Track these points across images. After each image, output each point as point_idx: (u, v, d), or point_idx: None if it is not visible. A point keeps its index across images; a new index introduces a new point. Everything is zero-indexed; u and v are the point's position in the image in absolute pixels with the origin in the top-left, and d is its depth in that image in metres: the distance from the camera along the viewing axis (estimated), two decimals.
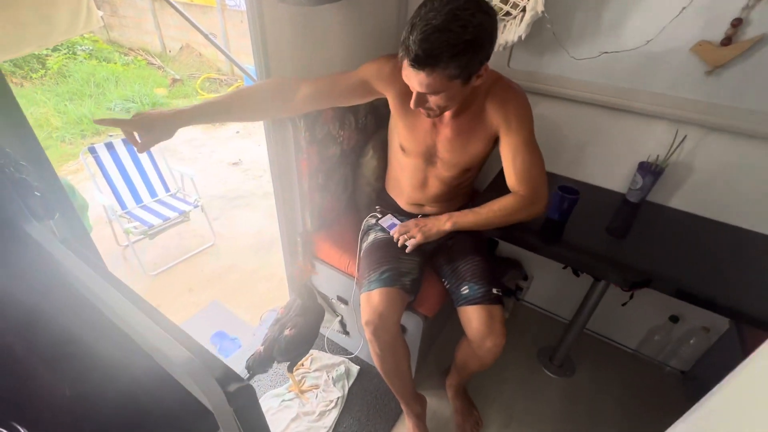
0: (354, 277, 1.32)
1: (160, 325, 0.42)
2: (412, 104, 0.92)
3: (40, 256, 0.43)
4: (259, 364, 1.31)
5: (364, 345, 1.51)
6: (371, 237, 1.25)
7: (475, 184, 1.69)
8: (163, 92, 5.38)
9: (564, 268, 1.48)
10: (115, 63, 5.83)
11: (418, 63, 0.81)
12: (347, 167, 1.42)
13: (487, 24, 0.80)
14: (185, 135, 4.49)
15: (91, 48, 5.93)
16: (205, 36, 1.70)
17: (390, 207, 1.33)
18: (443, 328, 1.70)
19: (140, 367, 0.55)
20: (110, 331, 0.48)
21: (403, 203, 1.29)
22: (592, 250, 1.15)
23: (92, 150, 2.33)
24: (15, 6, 2.06)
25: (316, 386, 1.47)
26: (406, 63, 0.84)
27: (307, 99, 1.03)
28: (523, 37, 1.12)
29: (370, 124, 1.44)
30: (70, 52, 5.60)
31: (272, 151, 1.19)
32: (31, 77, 5.14)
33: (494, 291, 1.11)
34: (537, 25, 1.13)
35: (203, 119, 0.92)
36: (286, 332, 1.29)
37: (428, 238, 1.13)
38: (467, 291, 1.12)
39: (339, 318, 1.54)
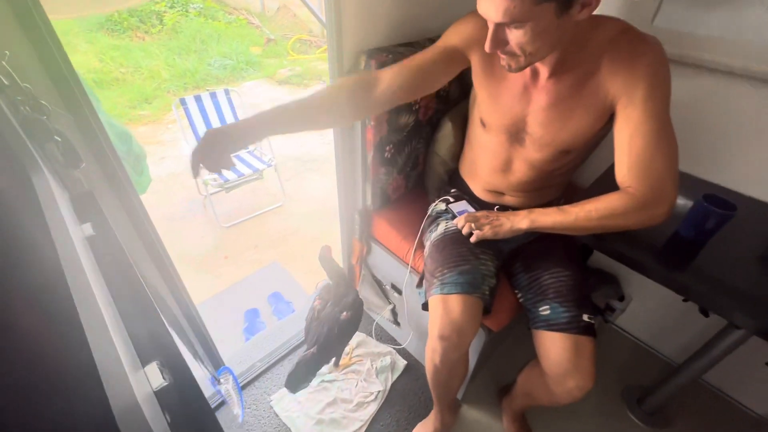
0: (409, 266, 1.15)
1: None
2: (487, 45, 0.68)
3: (28, 210, 0.33)
4: (312, 367, 1.19)
5: (414, 338, 1.37)
6: (442, 227, 1.06)
7: (577, 177, 1.38)
8: (258, 51, 5.58)
9: (685, 300, 1.14)
10: (219, 21, 6.16)
11: None
12: (420, 141, 1.22)
13: None
14: (270, 94, 4.62)
15: (201, 6, 6.32)
16: None
17: (464, 192, 1.11)
18: (505, 340, 1.47)
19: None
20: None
21: (478, 189, 1.07)
22: (736, 286, 0.83)
23: (183, 102, 2.44)
24: None
25: (361, 359, 1.42)
26: None
27: (389, 90, 0.83)
28: None
29: (453, 93, 1.21)
30: (183, 10, 6.03)
31: None
32: (151, 32, 5.67)
33: (585, 318, 0.87)
34: None
35: (272, 131, 0.75)
36: (343, 316, 1.20)
37: (497, 236, 0.90)
38: (549, 312, 0.89)
39: (391, 307, 1.40)
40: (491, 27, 0.67)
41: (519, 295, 1.01)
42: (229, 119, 2.61)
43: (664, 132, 0.71)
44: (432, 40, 1.06)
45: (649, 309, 1.44)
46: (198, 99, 2.47)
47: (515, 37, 0.66)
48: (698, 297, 0.84)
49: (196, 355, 0.93)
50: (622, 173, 0.76)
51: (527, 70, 0.81)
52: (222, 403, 0.83)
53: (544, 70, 0.79)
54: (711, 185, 1.10)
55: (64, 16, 2.17)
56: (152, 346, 0.40)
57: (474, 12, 0.81)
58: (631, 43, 0.72)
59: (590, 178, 1.18)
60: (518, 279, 1.02)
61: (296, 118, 0.77)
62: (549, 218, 0.83)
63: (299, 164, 3.29)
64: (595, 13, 0.70)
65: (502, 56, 0.72)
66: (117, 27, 5.50)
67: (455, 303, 0.89)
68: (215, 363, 1.20)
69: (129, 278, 0.46)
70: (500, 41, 0.68)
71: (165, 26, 5.67)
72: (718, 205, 0.83)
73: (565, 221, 0.81)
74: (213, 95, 2.52)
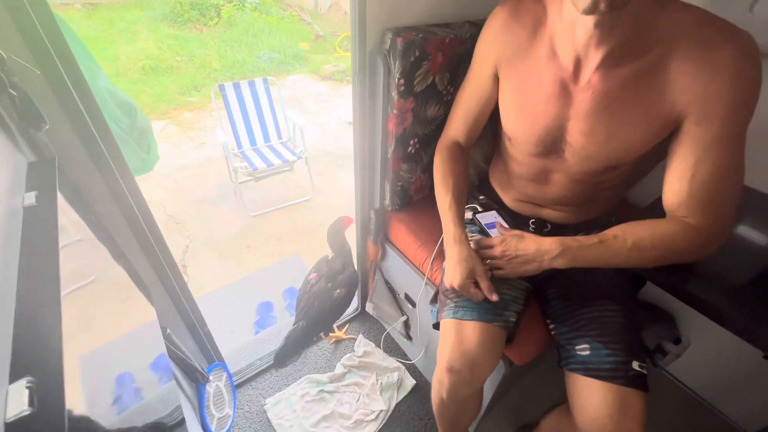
0: (425, 276, 1.02)
1: None
2: None
3: None
4: (301, 342, 1.19)
5: (425, 356, 1.23)
6: None
7: (633, 194, 1.18)
8: (306, 46, 5.64)
9: (766, 357, 0.92)
10: (272, 16, 6.32)
11: None
12: None
13: None
14: (313, 89, 4.63)
15: (257, 1, 6.52)
16: None
17: (494, 202, 0.96)
18: (530, 373, 1.29)
19: None
20: None
21: (509, 200, 0.91)
22: None
23: (221, 88, 2.45)
24: None
25: (354, 337, 1.41)
26: None
27: (472, 142, 0.91)
28: None
29: None
30: (240, 4, 6.24)
31: (356, 98, 0.93)
32: (209, 24, 5.92)
33: (636, 366, 0.70)
34: None
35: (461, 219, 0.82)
36: (336, 293, 1.18)
37: (518, 275, 0.74)
38: (588, 353, 0.72)
39: (404, 318, 1.27)
40: None
41: (552, 326, 0.84)
42: (266, 109, 2.60)
43: (737, 159, 0.60)
44: (472, 23, 0.93)
45: (712, 358, 1.21)
46: (237, 86, 2.47)
47: None
48: None
49: (178, 350, 0.86)
50: (678, 199, 0.63)
51: (572, 60, 0.64)
52: (180, 422, 0.74)
53: (595, 55, 0.61)
54: None
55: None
56: (34, 356, 0.30)
57: (496, 13, 0.74)
58: (714, 41, 0.55)
59: (649, 195, 0.99)
60: (552, 307, 0.85)
61: (458, 204, 0.83)
62: (591, 253, 0.67)
63: (332, 159, 3.24)
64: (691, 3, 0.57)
65: None
66: (179, 18, 5.80)
67: (471, 331, 0.75)
68: (209, 358, 1.13)
69: (47, 262, 0.37)
70: None
71: (221, 19, 5.90)
72: None
73: (609, 257, 0.67)
74: (252, 83, 2.51)
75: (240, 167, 2.42)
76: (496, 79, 0.78)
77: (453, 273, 0.76)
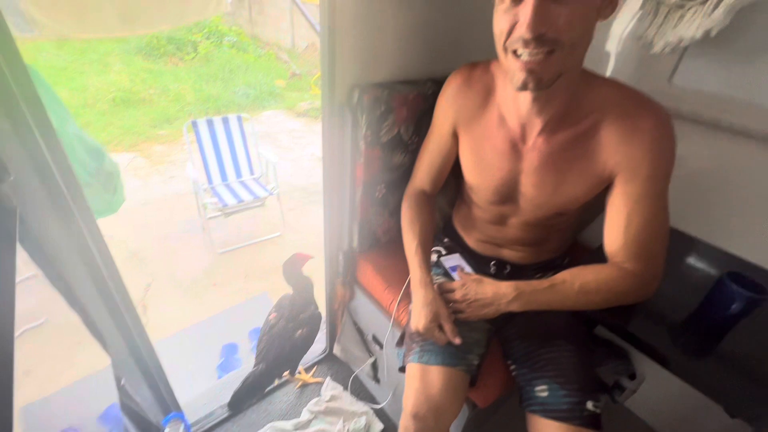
0: (392, 318, 1.04)
1: None
2: (528, 27, 0.54)
3: None
4: (258, 385, 1.16)
5: (393, 399, 1.22)
6: None
7: (584, 237, 1.28)
8: (282, 83, 5.79)
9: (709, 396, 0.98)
10: (250, 54, 6.48)
11: None
12: None
13: None
14: (287, 125, 4.72)
15: (235, 39, 6.69)
16: (316, 30, 1.61)
17: (457, 244, 1.01)
18: (493, 417, 1.30)
19: None
20: None
21: (472, 242, 0.97)
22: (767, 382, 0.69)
23: (194, 124, 2.46)
24: None
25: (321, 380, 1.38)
26: None
27: (436, 190, 0.97)
28: (713, 33, 0.72)
29: None
30: (218, 41, 6.38)
31: (326, 145, 0.98)
32: (185, 59, 5.98)
33: (590, 406, 0.73)
34: (742, 16, 0.71)
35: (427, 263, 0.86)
36: (298, 333, 1.17)
37: (479, 318, 0.79)
38: (547, 395, 0.76)
39: (372, 360, 1.26)
40: (533, 1, 0.54)
41: (513, 368, 0.87)
42: (239, 145, 2.61)
43: (662, 211, 0.69)
44: (434, 81, 1.01)
45: (665, 393, 1.27)
46: (210, 123, 2.49)
47: (562, 13, 0.54)
48: (720, 396, 0.71)
49: (131, 402, 0.82)
50: (616, 247, 0.71)
51: (518, 126, 0.73)
52: None
53: (536, 123, 0.70)
54: (733, 258, 0.98)
55: (92, 35, 2.26)
56: None
57: (451, 80, 0.82)
58: (635, 112, 0.65)
59: (596, 238, 1.07)
60: (513, 348, 0.89)
61: (425, 248, 0.88)
62: (543, 297, 0.73)
63: (304, 195, 3.26)
64: (595, 72, 0.68)
65: (527, 69, 0.59)
66: (154, 52, 5.83)
67: (435, 376, 0.77)
68: (166, 408, 1.07)
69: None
70: (543, 19, 0.54)
71: (198, 54, 5.99)
72: (744, 286, 0.71)
73: (561, 299, 0.73)
74: (225, 120, 2.54)
75: (209, 203, 2.40)
76: (455, 136, 0.85)
77: (418, 317, 0.79)
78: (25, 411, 0.40)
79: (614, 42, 1.06)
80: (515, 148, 0.75)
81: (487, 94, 0.78)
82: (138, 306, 1.48)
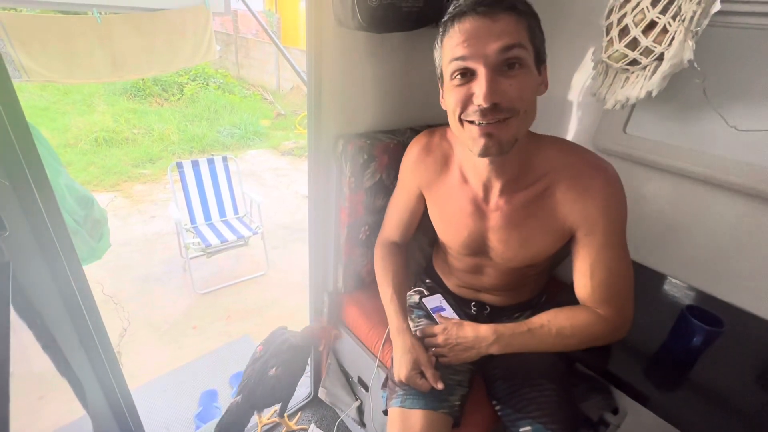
0: (377, 359, 1.04)
1: None
2: (484, 97, 0.60)
3: None
4: (236, 419, 1.13)
5: None
6: (411, 326, 0.98)
7: (559, 272, 1.34)
8: (267, 123, 5.92)
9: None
10: (235, 95, 6.66)
11: (485, 2, 0.59)
12: None
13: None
14: (272, 163, 4.79)
15: (221, 81, 6.89)
16: (302, 80, 1.72)
17: (438, 285, 1.05)
18: None
19: None
20: None
21: (452, 285, 1.01)
22: (733, 410, 0.73)
23: (179, 165, 2.48)
24: (152, 36, 2.38)
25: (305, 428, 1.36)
26: (460, 27, 0.60)
27: (407, 240, 1.02)
28: (654, 94, 0.82)
29: None
30: (204, 83, 6.55)
31: (312, 190, 1.03)
32: (170, 100, 6.08)
33: None
34: (677, 79, 0.82)
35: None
36: (271, 372, 1.14)
37: (461, 362, 0.82)
38: None
39: (357, 404, 1.25)
40: (486, 75, 0.59)
41: (497, 408, 0.88)
42: (224, 185, 2.64)
43: (623, 258, 0.74)
44: (412, 129, 1.09)
45: (647, 427, 1.28)
46: (195, 164, 2.52)
47: (512, 84, 0.60)
48: (688, 427, 0.74)
49: None
50: (585, 293, 0.76)
51: (481, 188, 0.78)
52: None
53: (495, 185, 0.76)
54: (697, 293, 1.05)
55: (82, 81, 2.31)
56: None
57: (411, 148, 0.89)
58: (584, 172, 0.71)
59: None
60: (496, 387, 0.90)
61: (402, 297, 0.92)
62: (521, 340, 0.77)
63: (288, 233, 3.26)
64: (558, 137, 0.76)
65: (485, 132, 0.63)
66: (140, 93, 5.92)
67: (416, 420, 0.78)
68: None
69: None
70: (495, 90, 0.60)
71: (184, 96, 6.11)
72: (702, 319, 0.77)
73: (537, 343, 0.77)
74: (210, 161, 2.58)
75: (192, 243, 2.38)
76: (421, 196, 0.91)
77: (399, 366, 0.81)
78: None
79: (575, 96, 1.18)
80: (479, 208, 0.80)
81: (446, 159, 0.84)
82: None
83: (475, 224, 0.81)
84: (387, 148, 1.02)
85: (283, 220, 3.45)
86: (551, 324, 0.76)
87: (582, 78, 1.15)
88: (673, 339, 0.81)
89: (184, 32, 2.47)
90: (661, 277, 1.11)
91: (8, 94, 0.54)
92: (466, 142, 0.68)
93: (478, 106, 0.61)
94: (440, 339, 0.82)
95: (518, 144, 0.67)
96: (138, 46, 2.30)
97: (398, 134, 1.06)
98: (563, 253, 1.02)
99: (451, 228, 0.85)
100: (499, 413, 0.87)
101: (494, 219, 0.79)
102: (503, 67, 0.60)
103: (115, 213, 3.31)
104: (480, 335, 0.77)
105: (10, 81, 0.56)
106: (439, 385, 0.78)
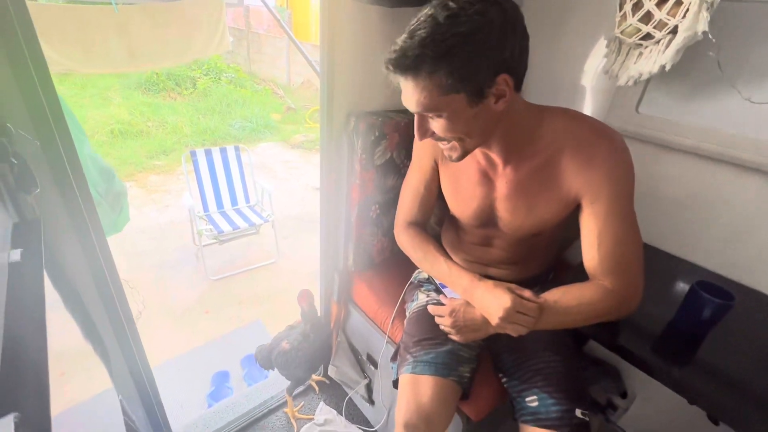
0: (386, 335, 1.06)
1: None
2: (416, 134, 0.71)
3: None
4: (263, 357, 1.31)
5: (388, 423, 1.21)
6: (422, 297, 1.00)
7: (567, 254, 1.33)
8: (278, 117, 5.98)
9: (691, 403, 1.01)
10: (247, 89, 6.72)
11: (396, 66, 0.61)
12: None
13: (493, 14, 0.57)
14: (283, 156, 4.84)
15: (233, 76, 6.96)
16: (315, 71, 1.73)
17: None
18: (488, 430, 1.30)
19: None
20: None
21: (460, 261, 1.01)
22: (747, 388, 0.73)
23: (192, 154, 2.53)
24: (166, 26, 2.42)
25: (311, 417, 1.36)
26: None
27: (428, 217, 1.00)
28: (667, 68, 0.82)
29: None
30: (216, 78, 6.63)
31: (324, 168, 1.04)
32: (183, 94, 6.18)
33: (578, 413, 0.76)
34: (691, 54, 0.81)
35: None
36: (283, 344, 1.23)
37: (470, 341, 0.82)
38: (537, 404, 0.78)
39: (366, 381, 1.27)
40: (416, 118, 0.69)
41: (504, 380, 0.90)
42: (236, 174, 2.69)
43: (631, 226, 0.72)
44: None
45: (656, 409, 1.28)
46: (208, 153, 2.57)
47: (437, 125, 0.67)
48: (701, 400, 0.74)
49: (129, 420, 0.82)
50: (593, 265, 0.75)
51: (483, 159, 0.80)
52: None
53: (498, 159, 0.77)
54: (709, 273, 1.04)
55: (99, 70, 2.36)
56: (23, 395, 0.33)
57: None
58: (590, 140, 0.71)
59: (578, 256, 1.13)
60: (503, 360, 0.92)
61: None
62: (557, 318, 0.74)
63: (298, 223, 3.30)
64: (565, 108, 0.75)
65: (443, 147, 0.73)
66: (154, 87, 6.03)
67: (426, 385, 0.79)
68: (157, 428, 1.05)
69: (32, 313, 0.40)
70: (425, 129, 0.69)
71: (197, 90, 6.19)
72: (713, 294, 0.76)
73: (546, 320, 0.73)
74: (223, 150, 2.63)
75: (204, 230, 2.42)
76: (437, 168, 0.91)
77: (498, 301, 0.73)
78: None
79: (588, 77, 1.18)
80: (487, 178, 0.81)
81: None
82: None
83: (483, 194, 0.82)
84: (398, 126, 1.03)
85: (294, 211, 3.49)
86: (559, 301, 0.74)
87: (594, 63, 1.15)
88: (682, 313, 0.81)
89: (199, 23, 2.51)
90: (673, 259, 1.10)
91: (37, 56, 0.56)
92: None
93: None
94: (448, 321, 0.80)
95: (496, 134, 0.71)
96: (153, 37, 2.35)
97: (409, 113, 1.07)
98: (572, 234, 1.02)
99: (462, 199, 0.86)
100: (505, 385, 0.88)
101: (501, 188, 0.80)
102: (425, 115, 0.67)
103: (130, 202, 3.37)
104: (490, 304, 0.77)
105: (39, 43, 0.59)
106: (541, 299, 0.73)
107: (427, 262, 0.90)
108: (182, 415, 1.70)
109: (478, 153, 0.80)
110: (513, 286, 0.75)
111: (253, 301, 2.39)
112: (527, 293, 0.73)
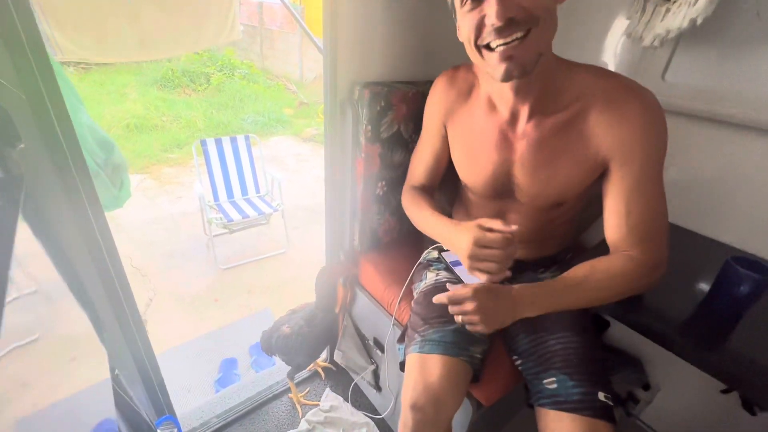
0: (393, 317, 1.02)
1: None
2: (495, 16, 0.56)
3: None
4: (265, 341, 1.29)
5: (395, 410, 1.17)
6: (432, 276, 0.94)
7: (583, 238, 1.26)
8: (290, 112, 5.99)
9: (725, 392, 0.93)
10: (260, 85, 6.76)
11: None
12: None
13: None
14: (294, 149, 4.83)
15: (246, 72, 7.00)
16: (318, 49, 1.70)
17: None
18: (506, 423, 1.24)
19: None
20: None
21: None
22: None
23: (203, 143, 2.53)
24: (177, 13, 2.43)
25: (316, 403, 1.32)
26: None
27: (436, 184, 0.96)
28: (698, 21, 0.75)
29: None
30: (230, 74, 6.68)
31: (328, 142, 1.00)
32: (197, 90, 6.24)
33: (601, 396, 0.70)
34: (725, 5, 0.73)
35: None
36: (284, 328, 1.21)
37: (492, 330, 0.68)
38: (556, 386, 0.72)
39: (373, 367, 1.23)
40: None
41: (518, 362, 0.84)
42: (246, 164, 2.67)
43: (660, 196, 0.68)
44: (432, 82, 1.05)
45: (681, 402, 1.20)
46: (218, 142, 2.57)
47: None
48: (739, 385, 0.67)
49: (125, 395, 0.79)
50: (619, 235, 0.70)
51: (508, 111, 0.73)
52: None
53: (523, 110, 0.71)
54: (733, 250, 0.96)
55: (111, 60, 2.38)
56: None
57: (436, 82, 0.85)
58: (621, 97, 0.65)
59: (596, 239, 1.06)
60: (517, 342, 0.86)
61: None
62: (558, 299, 0.69)
63: (308, 214, 3.28)
64: (592, 65, 0.69)
65: (506, 56, 0.60)
66: (169, 83, 6.11)
67: (434, 365, 0.74)
68: (160, 410, 1.03)
69: None
70: (509, 4, 0.56)
71: (210, 85, 6.25)
72: (750, 270, 0.69)
73: (576, 301, 0.69)
74: (233, 140, 2.62)
75: (215, 219, 2.42)
76: (446, 134, 0.86)
77: (464, 237, 0.70)
78: (18, 425, 0.39)
79: (610, 43, 1.10)
80: (505, 137, 0.75)
81: (471, 89, 0.80)
82: None
83: (500, 156, 0.76)
84: (405, 96, 0.98)
85: (304, 202, 3.48)
86: (588, 277, 0.68)
87: (615, 26, 1.07)
88: (716, 291, 0.74)
89: (209, 11, 2.50)
90: (701, 239, 1.02)
91: (24, 5, 0.54)
92: (488, 70, 0.65)
93: (492, 26, 0.58)
94: (470, 306, 0.67)
95: (543, 61, 0.63)
96: (165, 25, 2.35)
97: (417, 85, 1.02)
98: (592, 214, 0.95)
99: (476, 164, 0.80)
100: (520, 368, 0.83)
101: (521, 148, 0.73)
102: None
103: (144, 193, 3.43)
104: (516, 300, 0.69)
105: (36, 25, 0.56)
106: (513, 227, 0.66)
107: (422, 218, 0.87)
108: (190, 399, 1.69)
109: (503, 107, 0.73)
110: (484, 219, 0.69)
111: (262, 290, 2.38)
112: (497, 224, 0.66)
